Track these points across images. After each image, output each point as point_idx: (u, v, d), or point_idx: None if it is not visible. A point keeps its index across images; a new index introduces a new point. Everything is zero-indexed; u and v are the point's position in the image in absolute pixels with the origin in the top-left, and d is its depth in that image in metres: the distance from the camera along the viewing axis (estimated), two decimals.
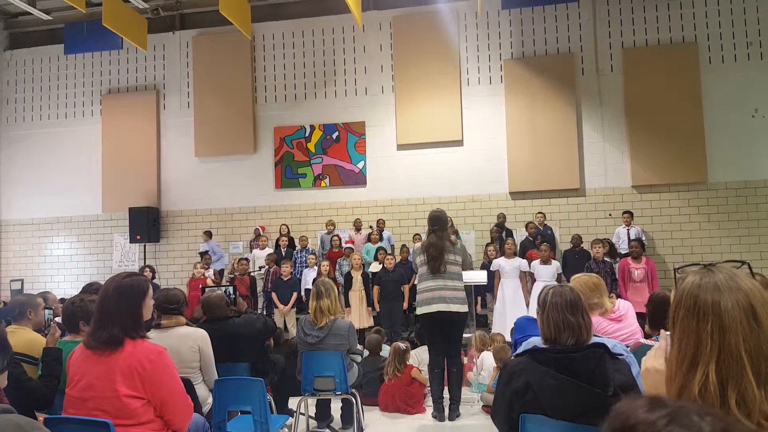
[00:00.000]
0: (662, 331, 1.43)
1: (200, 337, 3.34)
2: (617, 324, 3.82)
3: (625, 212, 9.82)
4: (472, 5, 10.02)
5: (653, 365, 1.49)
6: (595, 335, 2.58)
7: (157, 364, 2.43)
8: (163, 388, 2.42)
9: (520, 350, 2.48)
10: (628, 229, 9.57)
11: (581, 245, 9.29)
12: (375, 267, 8.74)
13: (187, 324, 3.43)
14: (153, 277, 8.69)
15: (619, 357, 2.25)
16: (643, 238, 9.38)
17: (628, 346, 2.93)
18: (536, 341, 2.42)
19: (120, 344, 2.40)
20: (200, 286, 7.36)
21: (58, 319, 3.58)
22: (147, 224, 11.06)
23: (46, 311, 3.38)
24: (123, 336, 2.41)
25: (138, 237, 11.07)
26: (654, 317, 3.43)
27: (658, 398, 0.82)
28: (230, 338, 3.88)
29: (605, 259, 8.26)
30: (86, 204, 11.96)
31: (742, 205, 9.94)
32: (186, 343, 3.28)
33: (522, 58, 10.83)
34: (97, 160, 12.03)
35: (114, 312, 2.44)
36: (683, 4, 10.42)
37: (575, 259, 8.72)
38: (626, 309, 3.83)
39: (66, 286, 11.63)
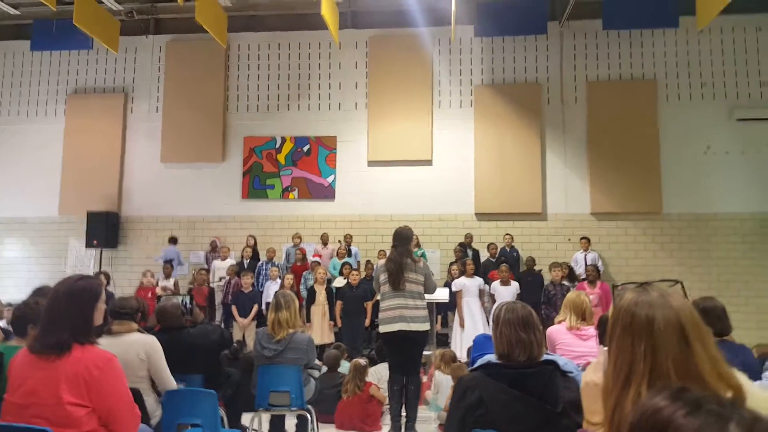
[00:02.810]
0: (600, 346, 1.49)
1: (149, 344, 3.23)
2: (581, 341, 3.95)
3: (582, 238, 10.08)
4: (447, 31, 10.25)
5: (592, 379, 1.54)
6: (548, 353, 2.64)
7: (105, 372, 2.35)
8: (111, 397, 2.34)
9: (474, 366, 2.51)
10: (585, 255, 9.83)
11: (534, 267, 9.47)
12: (339, 282, 8.71)
13: (138, 331, 3.33)
14: (108, 284, 8.43)
15: (569, 374, 2.31)
16: (599, 264, 9.63)
17: (580, 366, 3.01)
18: (491, 357, 2.46)
19: (67, 349, 2.31)
20: (149, 294, 7.18)
21: (3, 323, 3.43)
22: (105, 229, 10.77)
23: None
24: (71, 341, 2.32)
25: (95, 242, 10.75)
26: (604, 336, 3.54)
27: (683, 388, 0.86)
28: (184, 348, 3.79)
29: (563, 282, 8.45)
30: (42, 205, 11.54)
31: (694, 236, 10.34)
32: (134, 350, 3.18)
33: (492, 84, 11.13)
34: (57, 161, 11.69)
35: (64, 315, 2.35)
36: (644, 42, 10.92)
37: (528, 282, 8.85)
38: (593, 333, 3.97)
39: (14, 291, 11.12)
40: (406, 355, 4.91)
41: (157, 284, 8.42)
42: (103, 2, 10.50)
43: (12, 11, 11.35)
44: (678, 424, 0.78)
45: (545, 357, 2.36)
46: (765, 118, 10.43)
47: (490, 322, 7.71)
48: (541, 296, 8.38)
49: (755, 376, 2.94)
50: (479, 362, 2.49)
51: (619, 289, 9.22)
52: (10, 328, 3.23)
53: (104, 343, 2.93)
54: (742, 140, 10.46)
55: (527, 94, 10.96)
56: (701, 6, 8.64)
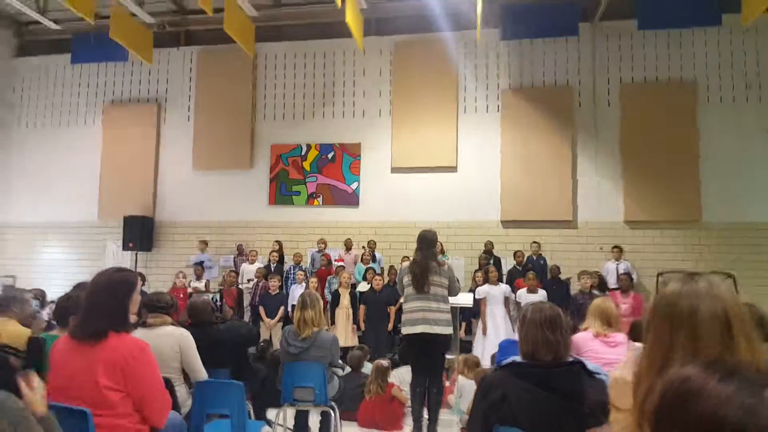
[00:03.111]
0: (632, 343, 1.47)
1: (182, 336, 3.36)
2: (608, 348, 3.87)
3: (614, 247, 9.85)
4: (472, 35, 10.25)
5: (621, 375, 1.52)
6: (573, 356, 2.63)
7: (139, 360, 2.48)
8: (144, 384, 2.46)
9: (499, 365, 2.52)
10: (617, 264, 9.59)
11: (559, 275, 9.29)
12: (363, 287, 8.79)
13: (172, 324, 3.47)
14: (143, 284, 8.70)
15: (596, 375, 2.27)
16: (633, 274, 9.38)
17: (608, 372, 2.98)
18: (516, 358, 2.47)
19: (104, 337, 2.44)
20: (181, 295, 7.39)
21: (46, 315, 3.62)
22: (141, 233, 11.15)
23: (33, 302, 3.43)
24: (108, 329, 2.46)
25: (131, 245, 11.11)
26: (634, 338, 3.48)
27: (716, 360, 0.83)
28: (213, 344, 3.91)
29: (593, 291, 8.27)
30: (82, 210, 12.07)
31: (734, 246, 9.85)
32: (167, 342, 3.31)
33: (520, 88, 11.01)
34: (96, 168, 12.19)
35: (102, 304, 2.49)
36: (683, 42, 10.48)
37: (553, 290, 8.65)
38: (622, 340, 3.89)
39: (56, 290, 11.55)
40: (428, 357, 4.92)
41: (189, 285, 8.64)
42: (136, 15, 10.93)
43: (53, 26, 11.89)
44: (711, 389, 0.74)
45: (572, 358, 2.33)
46: None
47: (515, 331, 7.68)
48: (566, 305, 8.23)
49: None
50: (504, 362, 2.51)
51: (663, 276, 8.89)
52: (54, 321, 3.42)
53: (139, 334, 3.08)
54: None
55: (557, 98, 10.76)
56: (746, 1, 8.30)
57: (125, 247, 11.21)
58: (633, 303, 7.83)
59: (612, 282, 9.13)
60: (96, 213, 12.07)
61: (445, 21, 10.70)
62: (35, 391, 1.85)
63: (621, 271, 9.18)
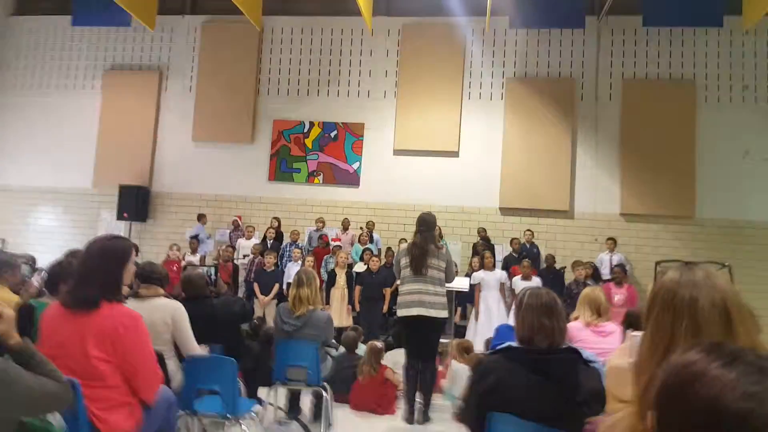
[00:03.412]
0: (629, 332, 1.45)
1: (175, 308, 3.30)
2: (600, 338, 3.88)
3: (609, 238, 9.91)
4: (482, 21, 10.14)
5: (618, 363, 1.50)
6: (569, 343, 2.61)
7: (131, 330, 2.42)
8: (134, 355, 2.41)
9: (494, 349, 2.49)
10: (610, 256, 9.66)
11: (554, 264, 9.37)
12: (360, 267, 8.75)
13: (165, 296, 3.41)
14: (136, 255, 8.65)
15: (591, 364, 2.26)
16: (627, 266, 9.47)
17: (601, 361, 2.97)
18: (512, 344, 2.44)
19: (96, 305, 2.38)
20: (174, 267, 7.32)
21: (36, 282, 3.56)
22: (136, 203, 11.04)
23: (24, 267, 3.35)
24: (100, 297, 2.40)
25: (125, 215, 11.02)
26: (628, 326, 3.47)
27: (717, 343, 0.81)
28: (207, 318, 3.85)
29: (587, 282, 8.32)
30: (76, 177, 11.91)
31: (727, 243, 10.02)
32: (160, 314, 3.25)
33: (525, 77, 10.95)
34: (93, 135, 12.01)
35: (95, 272, 2.43)
36: (685, 41, 10.58)
37: (549, 279, 8.75)
38: (613, 329, 3.89)
39: (47, 257, 11.47)
40: (422, 340, 4.92)
41: (183, 258, 8.57)
42: None
43: None
44: (713, 375, 0.73)
45: (566, 345, 2.30)
46: None
47: (510, 316, 7.71)
48: (560, 294, 8.26)
49: None
50: (499, 347, 2.48)
51: (661, 266, 9.01)
52: (44, 288, 3.35)
53: (132, 305, 3.01)
54: None
55: (560, 89, 10.76)
56: (748, 5, 8.40)
57: (119, 217, 11.11)
58: (627, 294, 7.87)
59: (606, 273, 9.21)
60: (91, 180, 11.91)
61: (456, 5, 10.58)
62: (3, 321, 1.80)
63: (615, 262, 9.27)
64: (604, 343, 3.84)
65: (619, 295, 7.74)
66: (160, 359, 3.17)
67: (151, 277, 3.37)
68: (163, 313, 3.29)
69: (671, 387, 0.77)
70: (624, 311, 7.64)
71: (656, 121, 10.31)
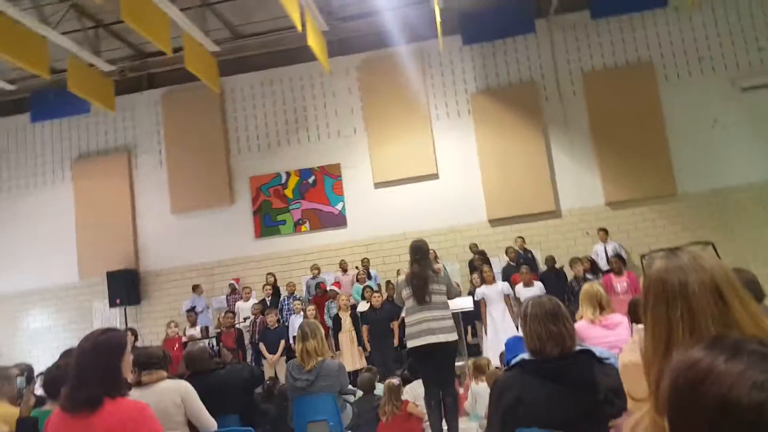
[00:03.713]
0: (635, 325, 1.43)
1: (183, 388, 3.21)
2: (608, 331, 3.85)
3: (600, 229, 9.93)
4: (434, 44, 10.34)
5: (629, 359, 1.48)
6: (580, 344, 2.58)
7: (140, 423, 2.33)
8: None
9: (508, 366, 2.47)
10: (605, 246, 9.67)
11: (554, 266, 9.36)
12: (363, 306, 8.65)
13: (169, 378, 3.31)
14: (136, 340, 8.44)
15: (606, 361, 2.26)
16: (622, 253, 9.46)
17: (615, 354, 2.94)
18: (525, 356, 2.42)
19: (99, 404, 2.29)
20: (176, 345, 7.18)
21: (37, 390, 3.43)
22: (126, 287, 10.88)
23: (18, 379, 3.22)
24: (102, 395, 2.31)
25: (118, 301, 10.83)
26: (635, 320, 3.46)
27: (718, 336, 0.80)
28: (216, 391, 3.76)
29: (587, 276, 8.31)
30: (61, 273, 11.67)
31: (714, 212, 10.14)
32: (168, 397, 3.15)
33: (487, 90, 11.15)
34: (71, 226, 11.86)
35: (91, 370, 2.34)
36: (635, 26, 10.88)
37: (552, 280, 8.73)
38: (620, 320, 3.87)
39: (45, 359, 11.19)
40: (437, 367, 4.85)
41: (183, 334, 8.41)
42: (94, 65, 10.75)
43: (8, 87, 11.60)
44: (719, 371, 0.71)
45: (578, 347, 2.31)
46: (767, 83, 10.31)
47: (518, 327, 7.64)
48: (565, 293, 8.25)
49: None
50: (513, 361, 2.45)
51: (646, 257, 9.00)
52: (44, 395, 3.23)
53: (136, 395, 2.92)
54: (749, 109, 10.33)
55: (524, 95, 10.95)
56: None
57: (112, 304, 10.91)
58: (629, 281, 7.84)
59: (603, 264, 9.17)
60: (77, 273, 11.69)
61: (406, 34, 10.80)
62: None
63: (610, 252, 9.30)
64: (613, 336, 3.82)
65: (621, 284, 7.72)
66: None
67: (149, 363, 3.27)
68: (172, 395, 3.20)
69: (680, 389, 0.76)
70: (628, 299, 7.65)
71: (622, 108, 10.49)
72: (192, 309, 9.78)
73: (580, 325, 3.92)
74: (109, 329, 2.57)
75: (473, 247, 10.16)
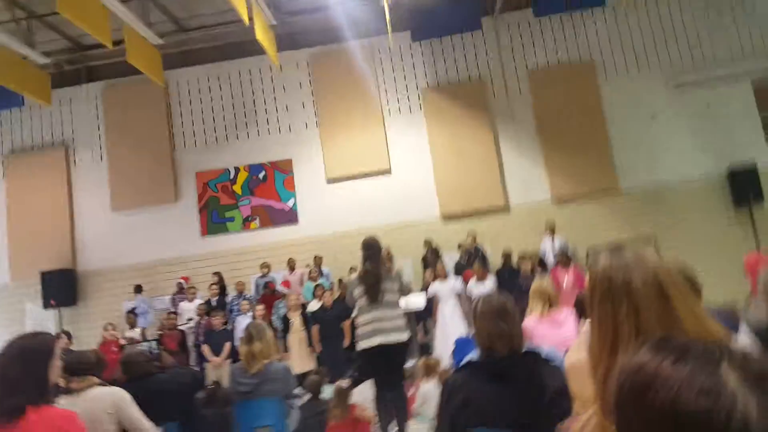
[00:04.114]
0: (582, 320, 1.42)
1: (115, 396, 3.02)
2: (556, 329, 3.91)
3: (547, 225, 10.14)
4: (384, 40, 10.31)
5: (576, 358, 1.47)
6: (528, 345, 2.59)
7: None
8: None
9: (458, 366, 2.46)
10: (552, 242, 9.87)
11: (510, 262, 9.43)
12: (314, 305, 8.51)
13: (101, 385, 3.11)
14: (70, 343, 8.03)
15: (553, 363, 2.27)
16: (569, 248, 9.67)
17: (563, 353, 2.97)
18: (474, 356, 2.41)
19: (21, 414, 2.12)
20: (113, 348, 6.87)
21: None
22: (62, 287, 10.34)
23: None
24: (25, 404, 2.14)
25: (53, 302, 10.28)
26: (581, 315, 3.53)
27: (664, 338, 0.78)
28: (155, 396, 3.57)
29: (534, 273, 8.43)
30: None
31: (654, 206, 10.51)
32: (99, 405, 2.96)
33: (437, 86, 11.22)
34: (2, 225, 11.18)
35: (16, 377, 2.17)
36: (575, 25, 11.22)
37: (507, 277, 8.83)
38: (567, 316, 3.94)
39: None
40: (388, 368, 4.80)
41: (122, 336, 8.04)
42: (27, 57, 10.11)
43: None
44: (666, 375, 0.70)
45: (527, 348, 2.33)
46: (701, 80, 10.82)
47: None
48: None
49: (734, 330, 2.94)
50: (463, 362, 2.45)
51: (591, 254, 9.28)
52: None
53: (65, 402, 2.74)
54: (683, 105, 10.82)
55: (473, 91, 11.08)
56: None
57: (46, 305, 10.35)
58: (574, 275, 8.04)
59: (551, 260, 9.35)
60: (8, 273, 11.01)
61: (356, 29, 10.72)
62: None
63: (557, 247, 9.45)
64: (562, 334, 3.88)
65: (567, 279, 7.92)
66: None
67: (79, 368, 3.07)
68: (103, 404, 3.00)
69: (626, 394, 0.74)
70: (575, 293, 7.85)
71: (566, 105, 10.78)
72: (132, 310, 9.37)
73: (529, 321, 3.98)
74: (37, 333, 2.39)
75: (427, 243, 10.18)
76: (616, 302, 1.21)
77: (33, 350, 2.26)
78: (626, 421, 0.74)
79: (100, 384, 3.11)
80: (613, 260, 1.27)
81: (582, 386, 1.44)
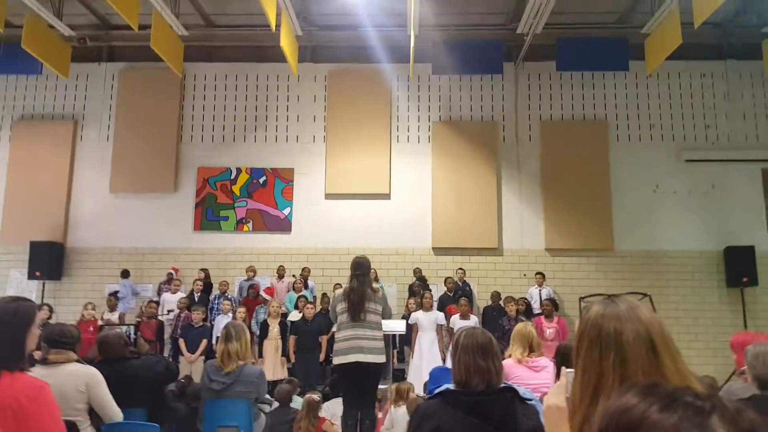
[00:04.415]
0: (563, 368, 1.43)
1: (89, 375, 3.02)
2: (534, 373, 3.92)
3: (537, 273, 10.23)
4: (405, 68, 10.50)
5: (554, 402, 1.49)
6: (505, 382, 2.62)
7: (36, 402, 2.16)
8: (40, 428, 2.16)
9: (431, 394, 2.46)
10: (540, 290, 9.95)
11: (499, 302, 9.50)
12: (295, 316, 8.50)
13: (78, 361, 3.11)
14: (50, 317, 7.96)
15: (528, 402, 2.28)
16: (556, 299, 9.75)
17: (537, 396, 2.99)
18: (449, 386, 2.42)
19: None
20: (90, 328, 6.82)
21: None
22: (49, 260, 10.24)
23: None
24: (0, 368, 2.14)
25: (38, 273, 10.19)
26: (562, 364, 3.54)
27: (654, 384, 0.76)
28: (127, 381, 3.56)
29: (520, 317, 8.48)
30: None
31: (645, 272, 10.56)
32: (72, 381, 2.96)
33: (449, 121, 11.37)
34: (0, 189, 11.12)
35: None
36: (596, 85, 11.41)
37: (493, 316, 8.90)
38: (546, 364, 3.95)
39: None
40: (361, 387, 4.79)
41: (101, 318, 7.97)
42: (54, 27, 10.26)
43: None
44: (653, 420, 0.67)
45: (504, 384, 2.33)
46: (711, 159, 10.96)
47: (448, 357, 7.66)
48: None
49: None
50: (437, 390, 2.45)
51: (584, 301, 9.33)
52: None
53: (38, 373, 2.73)
54: (689, 180, 10.91)
55: (483, 132, 11.23)
56: (650, 51, 9.27)
57: (31, 276, 10.25)
58: (558, 327, 8.08)
59: (537, 307, 9.42)
60: None
61: (380, 53, 10.90)
62: None
63: (544, 296, 9.55)
64: (538, 379, 3.90)
65: (550, 329, 7.95)
66: (74, 430, 2.88)
67: (60, 341, 3.07)
68: (76, 380, 3.00)
69: None
70: (556, 344, 7.87)
71: (573, 160, 10.92)
72: (114, 293, 9.31)
73: (507, 363, 3.97)
74: (19, 298, 2.40)
75: (417, 272, 10.22)
76: (604, 351, 1.21)
77: (14, 314, 2.27)
78: None
79: (77, 360, 3.11)
80: (607, 309, 1.26)
81: (558, 430, 1.47)
